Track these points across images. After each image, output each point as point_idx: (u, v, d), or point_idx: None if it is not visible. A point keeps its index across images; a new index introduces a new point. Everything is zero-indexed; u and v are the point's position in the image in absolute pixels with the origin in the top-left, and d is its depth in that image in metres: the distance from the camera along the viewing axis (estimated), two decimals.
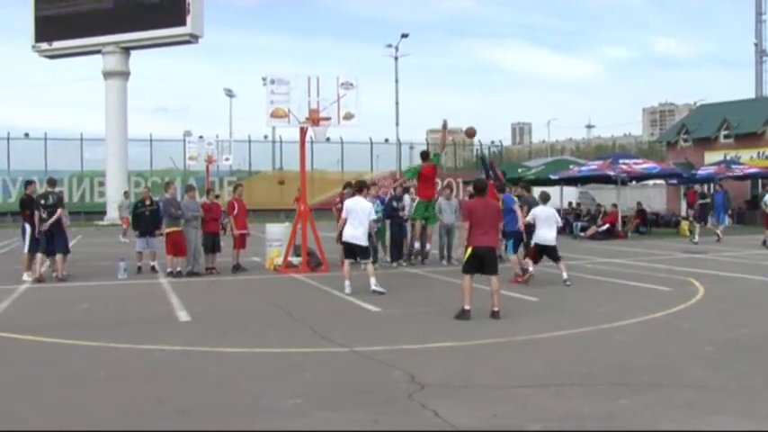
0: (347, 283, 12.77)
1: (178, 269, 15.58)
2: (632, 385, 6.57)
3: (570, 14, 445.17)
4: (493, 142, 64.72)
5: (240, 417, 5.80)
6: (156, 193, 22.96)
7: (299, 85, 16.39)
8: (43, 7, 44.87)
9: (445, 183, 31.43)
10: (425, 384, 6.57)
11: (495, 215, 10.75)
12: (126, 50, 44.35)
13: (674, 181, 35.62)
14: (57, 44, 44.76)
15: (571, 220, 29.84)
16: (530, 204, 18.82)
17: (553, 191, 35.05)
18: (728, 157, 38.59)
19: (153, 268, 16.44)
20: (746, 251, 21.01)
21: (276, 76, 16.50)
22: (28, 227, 14.95)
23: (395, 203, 17.66)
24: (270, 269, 16.91)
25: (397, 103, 51.52)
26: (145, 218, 16.61)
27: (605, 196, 38.01)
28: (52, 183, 15.53)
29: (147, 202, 16.79)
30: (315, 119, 16.36)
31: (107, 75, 44.27)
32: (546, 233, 14.01)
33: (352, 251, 13.06)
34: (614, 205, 29.30)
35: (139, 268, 16.39)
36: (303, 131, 16.92)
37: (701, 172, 34.70)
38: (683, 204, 39.03)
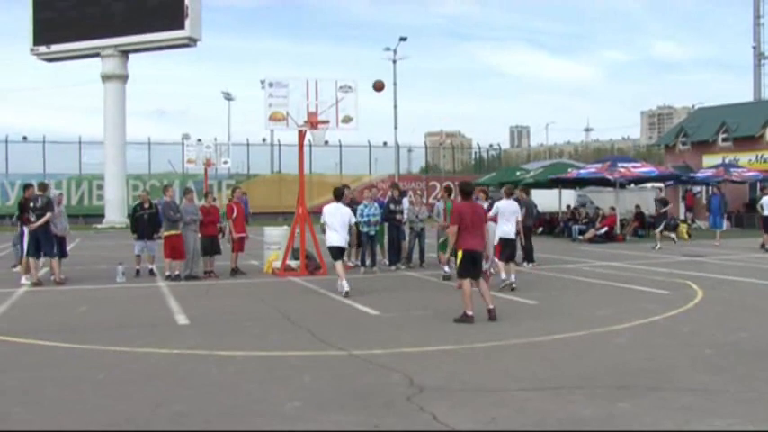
0: (344, 282, 12.95)
1: (176, 272, 15.57)
2: (632, 388, 6.56)
3: (570, 18, 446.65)
4: (491, 145, 64.70)
5: (239, 420, 5.79)
6: (155, 196, 22.98)
7: (297, 88, 16.41)
8: (42, 10, 44.83)
9: (444, 185, 31.37)
10: (424, 387, 6.56)
11: (482, 218, 10.79)
12: (124, 54, 44.31)
13: (672, 182, 35.59)
14: (55, 47, 44.70)
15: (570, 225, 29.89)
16: (528, 207, 18.94)
17: (551, 194, 35.30)
18: (727, 161, 38.62)
19: (151, 271, 16.42)
20: (745, 254, 21.03)
21: (274, 79, 16.51)
22: (26, 230, 14.94)
23: (392, 207, 17.65)
24: (268, 272, 16.90)
25: (395, 107, 51.49)
26: (143, 221, 16.59)
27: (604, 199, 37.96)
28: (42, 187, 15.50)
29: (146, 206, 16.77)
30: (313, 122, 16.36)
31: (105, 78, 44.23)
32: (510, 228, 13.97)
33: (341, 252, 13.68)
34: (612, 208, 29.31)
35: (138, 272, 16.38)
36: (302, 134, 16.93)
37: (700, 175, 34.75)
38: (682, 207, 39.07)
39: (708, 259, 19.49)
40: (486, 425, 5.59)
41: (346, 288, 12.79)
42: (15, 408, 6.16)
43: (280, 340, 9.05)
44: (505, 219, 13.93)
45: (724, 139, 42.52)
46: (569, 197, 38.76)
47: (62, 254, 15.59)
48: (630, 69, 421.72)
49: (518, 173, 36.10)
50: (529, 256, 18.27)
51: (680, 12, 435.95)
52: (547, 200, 35.30)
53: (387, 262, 17.78)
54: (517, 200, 18.71)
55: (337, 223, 13.35)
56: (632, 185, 33.92)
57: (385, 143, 54.89)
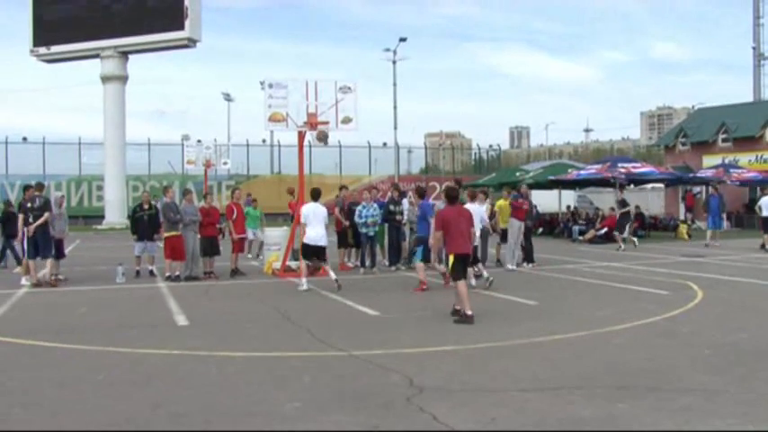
0: (304, 280, 13.94)
1: (176, 273, 15.58)
2: (631, 389, 6.56)
3: (570, 18, 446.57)
4: (491, 146, 64.70)
5: (239, 421, 5.79)
6: (155, 197, 22.97)
7: (297, 89, 16.41)
8: (41, 11, 44.85)
9: (443, 187, 31.35)
10: (424, 388, 6.57)
11: (468, 222, 10.94)
12: (124, 54, 44.33)
13: (673, 183, 35.63)
14: (55, 48, 44.72)
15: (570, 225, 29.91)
16: (528, 207, 18.93)
17: (551, 194, 35.33)
18: (727, 161, 38.65)
19: (151, 272, 16.43)
20: (745, 255, 21.03)
21: (274, 80, 16.51)
22: (25, 231, 14.94)
23: (392, 207, 17.64)
24: (268, 273, 16.90)
25: (395, 108, 51.55)
26: (143, 222, 16.59)
27: (603, 200, 38.03)
28: (39, 187, 15.50)
29: (146, 207, 16.77)
30: (313, 123, 16.36)
31: (105, 79, 44.24)
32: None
33: (314, 253, 14.23)
34: (612, 209, 29.31)
35: (138, 272, 16.39)
36: (301, 135, 16.93)
37: (700, 175, 34.75)
38: (682, 208, 39.07)
39: (707, 260, 19.50)
40: (485, 425, 5.59)
41: (304, 287, 13.72)
42: (15, 408, 6.16)
43: (279, 341, 9.05)
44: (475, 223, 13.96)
45: (724, 140, 42.55)
46: (569, 198, 38.80)
47: (58, 255, 15.59)
48: (630, 70, 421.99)
49: (518, 173, 36.11)
50: (529, 257, 18.28)
51: (680, 12, 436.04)
52: (547, 200, 35.35)
53: (386, 263, 17.78)
54: (517, 197, 18.74)
55: (318, 221, 14.13)
56: (632, 186, 33.94)
57: (385, 144, 54.92)
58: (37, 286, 14.47)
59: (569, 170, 33.80)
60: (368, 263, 17.12)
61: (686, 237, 28.56)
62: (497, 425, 5.60)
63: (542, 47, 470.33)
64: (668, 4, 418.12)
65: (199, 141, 34.49)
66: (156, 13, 42.52)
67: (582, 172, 31.81)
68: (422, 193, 15.51)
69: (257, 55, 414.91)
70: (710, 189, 28.37)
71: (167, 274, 15.59)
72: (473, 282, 13.66)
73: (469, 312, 10.17)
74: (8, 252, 18.44)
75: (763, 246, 22.53)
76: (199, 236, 16.07)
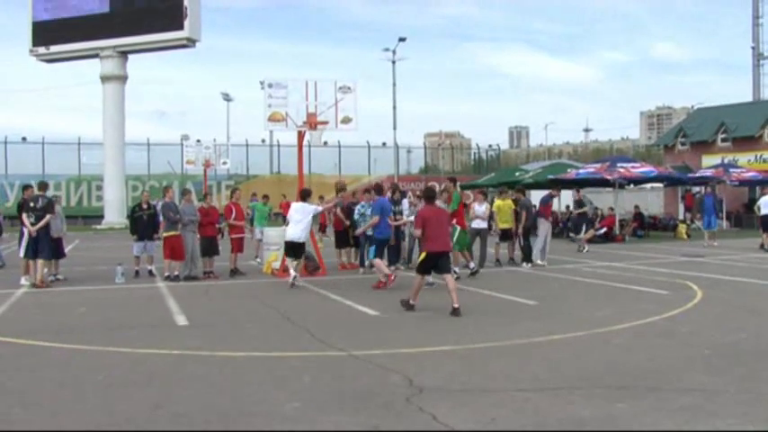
0: (293, 273, 14.35)
1: (176, 273, 15.57)
2: (631, 389, 6.56)
3: (570, 19, 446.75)
4: (490, 146, 64.71)
5: (238, 421, 5.79)
6: (154, 197, 22.95)
7: (296, 89, 16.43)
8: (41, 11, 44.85)
9: (443, 187, 31.34)
10: (424, 388, 6.56)
11: (445, 221, 11.54)
12: (123, 54, 44.35)
13: (672, 183, 35.63)
14: (54, 48, 44.75)
15: (569, 225, 29.87)
16: (527, 207, 18.95)
17: None
18: (726, 161, 38.66)
19: (150, 272, 16.42)
20: (744, 254, 21.04)
21: (274, 80, 16.53)
22: (25, 231, 14.94)
23: (393, 207, 17.61)
24: (267, 273, 16.90)
25: (394, 108, 51.56)
26: (143, 222, 16.59)
27: (603, 200, 38.01)
28: (42, 186, 15.46)
29: (145, 207, 16.77)
30: (312, 122, 16.36)
31: (105, 79, 44.26)
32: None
33: (293, 249, 14.75)
34: (612, 209, 29.33)
35: (137, 272, 16.39)
36: (301, 135, 16.93)
37: (699, 175, 34.75)
38: (681, 208, 39.08)
39: (707, 259, 19.50)
40: (485, 425, 5.59)
41: (292, 280, 14.20)
42: (15, 408, 6.16)
43: (279, 341, 9.05)
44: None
45: (723, 140, 42.57)
46: (569, 198, 38.74)
47: (57, 255, 15.57)
48: (630, 70, 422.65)
49: (517, 173, 36.10)
50: (527, 257, 18.28)
51: (679, 12, 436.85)
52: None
53: (386, 262, 17.74)
54: (516, 200, 18.79)
55: (298, 220, 14.68)
56: (631, 186, 33.94)
57: (384, 143, 54.97)
58: (36, 286, 14.43)
59: (568, 170, 33.81)
60: (367, 263, 17.10)
61: (685, 237, 28.57)
62: (497, 425, 5.60)
63: (542, 47, 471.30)
64: (668, 4, 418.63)
65: (198, 141, 34.57)
66: (156, 13, 42.56)
67: (581, 171, 31.81)
68: (379, 190, 15.84)
69: (257, 55, 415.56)
70: (704, 189, 28.40)
71: (166, 274, 15.59)
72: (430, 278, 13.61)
73: (413, 302, 11.22)
74: (5, 253, 18.42)
75: (762, 245, 22.54)
76: (198, 236, 16.07)
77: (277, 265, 16.86)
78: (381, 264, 14.44)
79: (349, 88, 16.76)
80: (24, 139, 49.20)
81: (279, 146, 52.42)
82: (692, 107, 66.81)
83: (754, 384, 6.73)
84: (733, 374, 7.08)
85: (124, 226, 33.32)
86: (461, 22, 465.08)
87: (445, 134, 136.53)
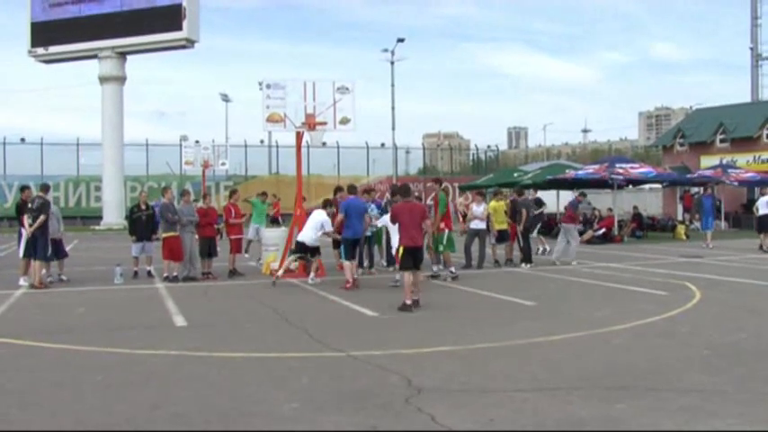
0: (312, 275, 15.12)
1: (174, 274, 15.55)
2: (630, 389, 6.56)
3: (569, 19, 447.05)
4: (489, 146, 64.72)
5: (237, 421, 5.78)
6: (153, 197, 22.94)
7: (295, 89, 16.40)
8: (39, 12, 44.84)
9: (442, 187, 31.36)
10: (422, 389, 6.56)
11: (419, 216, 11.74)
12: (122, 55, 44.34)
13: (671, 184, 35.65)
14: (53, 49, 44.73)
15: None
16: (526, 207, 18.97)
17: (549, 195, 35.30)
18: (724, 162, 38.67)
19: (149, 273, 16.41)
20: (743, 255, 21.05)
21: (272, 80, 16.50)
22: (23, 231, 14.93)
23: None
24: (266, 274, 16.88)
25: (393, 108, 51.53)
26: (141, 223, 16.58)
27: (601, 200, 38.01)
28: (42, 188, 15.41)
29: (143, 207, 16.76)
30: (311, 123, 16.35)
31: (103, 79, 44.25)
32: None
33: (304, 250, 15.13)
34: (610, 209, 29.34)
35: (136, 273, 16.37)
36: (299, 136, 16.92)
37: (697, 176, 34.77)
38: (680, 208, 39.10)
39: (706, 260, 19.51)
40: (484, 425, 5.59)
41: (311, 282, 14.87)
42: (14, 409, 6.16)
43: (278, 341, 9.05)
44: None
45: (722, 140, 42.59)
46: (567, 198, 38.76)
47: (58, 255, 15.54)
48: (629, 70, 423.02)
49: (516, 174, 36.09)
50: (527, 258, 18.28)
51: (679, 13, 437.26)
52: (545, 201, 35.28)
53: (384, 263, 17.76)
54: (514, 200, 18.80)
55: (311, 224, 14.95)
56: (630, 186, 33.96)
57: (383, 144, 54.95)
58: (35, 287, 14.41)
59: (567, 170, 33.82)
60: (366, 263, 17.11)
61: (684, 237, 28.58)
62: (496, 425, 5.60)
63: (541, 47, 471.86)
64: (667, 4, 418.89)
65: (197, 142, 34.49)
66: (154, 14, 42.54)
67: (579, 172, 31.83)
68: (351, 190, 16.09)
69: (256, 55, 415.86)
70: (702, 189, 28.37)
71: (165, 275, 15.58)
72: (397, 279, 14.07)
73: (408, 302, 11.21)
74: (4, 254, 18.40)
75: (761, 246, 22.54)
76: (197, 236, 16.05)
77: (275, 265, 16.85)
78: (347, 266, 14.46)
79: (347, 89, 16.75)
80: (23, 139, 49.17)
81: (277, 147, 52.43)
82: (691, 108, 66.89)
83: (753, 384, 6.74)
84: (732, 375, 7.08)
85: (123, 227, 33.28)
86: (461, 22, 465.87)
87: (444, 135, 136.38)
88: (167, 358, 8.13)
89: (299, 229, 16.59)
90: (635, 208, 32.26)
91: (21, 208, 15.11)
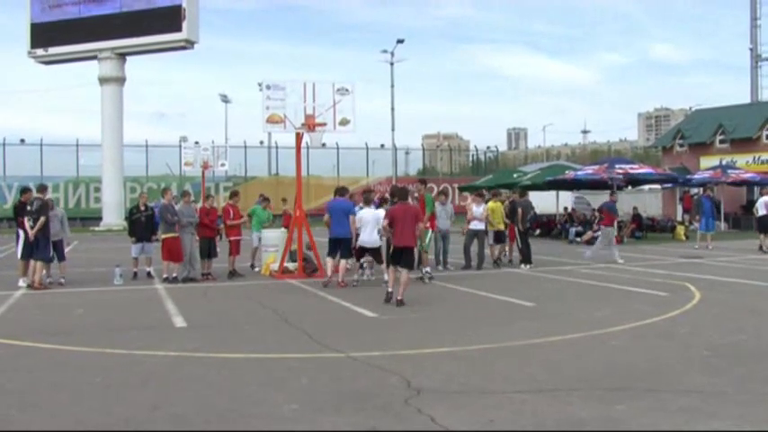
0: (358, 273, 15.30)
1: (174, 275, 15.54)
2: (629, 390, 6.56)
3: (569, 20, 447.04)
4: (489, 147, 64.75)
5: (236, 422, 5.78)
6: (153, 198, 22.93)
7: (294, 90, 16.39)
8: (39, 13, 44.84)
9: (441, 188, 31.43)
10: (422, 390, 6.56)
11: (412, 218, 12.29)
12: (122, 56, 44.34)
13: (670, 184, 35.65)
14: (52, 50, 44.72)
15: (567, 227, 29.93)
16: (524, 207, 18.96)
17: (549, 196, 35.33)
18: (724, 162, 38.67)
19: (149, 274, 16.41)
20: (742, 256, 21.05)
21: (272, 81, 16.50)
22: (21, 233, 14.93)
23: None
24: (266, 275, 16.89)
25: (392, 109, 51.51)
26: (141, 223, 16.57)
27: (601, 201, 37.99)
28: (40, 189, 15.38)
29: (143, 208, 16.75)
30: (310, 124, 16.35)
31: (103, 80, 44.24)
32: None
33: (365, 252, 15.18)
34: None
35: (135, 274, 16.36)
36: (299, 137, 16.92)
37: (697, 177, 34.78)
38: (679, 209, 39.11)
39: (706, 261, 19.51)
40: (483, 426, 5.59)
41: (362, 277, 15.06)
42: (13, 410, 6.15)
43: (277, 342, 9.05)
44: (372, 228, 14.51)
45: (721, 141, 42.60)
46: (566, 199, 38.80)
47: (58, 257, 15.51)
48: (628, 71, 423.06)
49: (515, 175, 36.11)
50: (526, 258, 18.28)
51: (678, 14, 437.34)
52: (544, 202, 35.32)
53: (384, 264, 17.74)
54: (513, 201, 18.82)
55: (366, 226, 14.47)
56: (629, 187, 33.95)
57: (382, 145, 55.01)
58: (36, 288, 14.39)
59: (567, 171, 33.82)
60: (365, 264, 17.07)
61: (684, 238, 28.58)
62: (495, 426, 5.60)
63: (541, 49, 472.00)
64: (667, 5, 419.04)
65: (196, 143, 34.51)
66: (154, 15, 42.53)
67: (579, 173, 31.82)
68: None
69: (256, 56, 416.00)
70: (701, 190, 28.34)
71: (165, 276, 15.57)
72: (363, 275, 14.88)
73: (390, 290, 12.08)
74: (3, 255, 18.38)
75: (761, 247, 22.54)
76: (197, 237, 16.04)
77: (275, 266, 16.86)
78: (329, 263, 14.86)
79: (347, 90, 16.75)
80: (23, 140, 49.22)
81: (277, 148, 52.46)
82: (690, 109, 66.95)
83: (752, 385, 6.74)
84: (732, 375, 7.08)
85: (122, 228, 33.27)
86: (460, 23, 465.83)
87: (443, 136, 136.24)
88: (167, 359, 8.12)
89: (299, 231, 16.62)
90: (635, 209, 32.29)
91: (19, 210, 15.10)
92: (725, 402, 6.20)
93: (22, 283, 14.81)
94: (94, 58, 44.20)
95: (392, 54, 50.62)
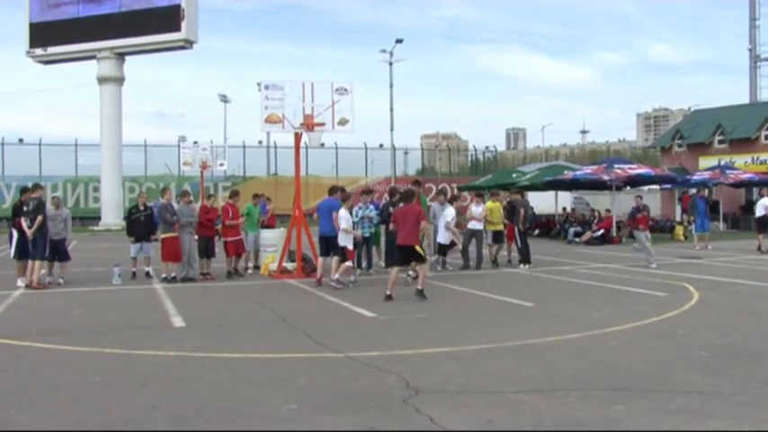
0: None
1: (173, 275, 15.54)
2: (628, 390, 6.57)
3: (568, 21, 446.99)
4: (487, 147, 64.76)
5: (235, 422, 5.78)
6: (152, 198, 22.91)
7: (293, 90, 16.39)
8: (38, 13, 44.81)
9: (439, 188, 31.42)
10: (420, 390, 6.56)
11: (414, 218, 12.65)
12: (120, 56, 44.32)
13: (669, 185, 35.68)
14: (51, 49, 44.69)
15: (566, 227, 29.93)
16: (524, 207, 18.97)
17: (547, 196, 35.36)
18: (723, 163, 38.70)
19: (147, 274, 16.40)
20: (741, 256, 21.06)
21: (271, 81, 16.50)
22: (15, 233, 14.92)
23: (390, 209, 17.61)
24: (265, 275, 16.89)
25: (391, 109, 51.49)
26: (139, 223, 16.56)
27: (600, 201, 38.05)
28: (34, 188, 15.29)
29: (142, 208, 16.74)
30: (309, 124, 16.35)
31: (102, 80, 44.21)
32: (441, 237, 16.15)
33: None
34: (609, 210, 29.34)
35: (134, 274, 16.35)
36: (298, 137, 16.91)
37: (696, 177, 34.80)
38: (678, 209, 39.13)
39: (704, 261, 19.52)
40: (482, 426, 5.60)
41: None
42: (12, 410, 6.15)
43: (276, 342, 9.05)
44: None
45: (720, 141, 42.64)
46: (565, 199, 38.84)
47: (60, 257, 15.48)
48: (627, 72, 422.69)
49: (514, 175, 36.12)
50: (525, 258, 18.29)
51: (677, 14, 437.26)
52: (543, 202, 35.36)
53: (383, 264, 17.76)
54: (511, 201, 18.86)
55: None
56: (628, 187, 33.99)
57: (381, 145, 54.97)
58: (33, 288, 14.39)
59: (565, 172, 33.83)
60: (364, 264, 17.11)
61: (682, 238, 28.60)
62: (494, 426, 5.60)
63: (540, 49, 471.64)
64: (666, 5, 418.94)
65: (195, 143, 34.51)
66: (153, 15, 42.52)
67: (578, 173, 31.84)
68: (333, 191, 16.08)
69: (256, 56, 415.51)
70: (697, 191, 28.33)
71: (163, 276, 15.56)
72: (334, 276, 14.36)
73: (389, 293, 12.38)
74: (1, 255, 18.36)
75: (759, 247, 22.56)
76: (196, 236, 16.03)
77: (274, 266, 16.86)
78: (319, 262, 15.20)
79: (346, 90, 16.75)
80: (21, 140, 49.18)
81: (276, 147, 52.39)
82: (689, 109, 66.98)
83: (751, 386, 6.74)
84: (730, 376, 7.09)
85: (121, 227, 33.23)
86: (459, 24, 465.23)
87: (442, 136, 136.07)
88: (166, 359, 8.13)
89: (298, 231, 16.62)
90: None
91: (17, 210, 15.09)
92: (724, 402, 6.21)
93: (20, 282, 14.80)
94: (93, 57, 44.17)
95: (391, 54, 50.61)
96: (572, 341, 8.96)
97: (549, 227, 32.53)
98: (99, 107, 44.56)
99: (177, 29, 42.34)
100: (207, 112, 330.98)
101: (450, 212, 16.17)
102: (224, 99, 70.21)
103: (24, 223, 14.49)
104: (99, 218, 44.20)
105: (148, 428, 5.66)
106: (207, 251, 16.22)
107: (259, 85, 16.91)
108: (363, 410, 6.04)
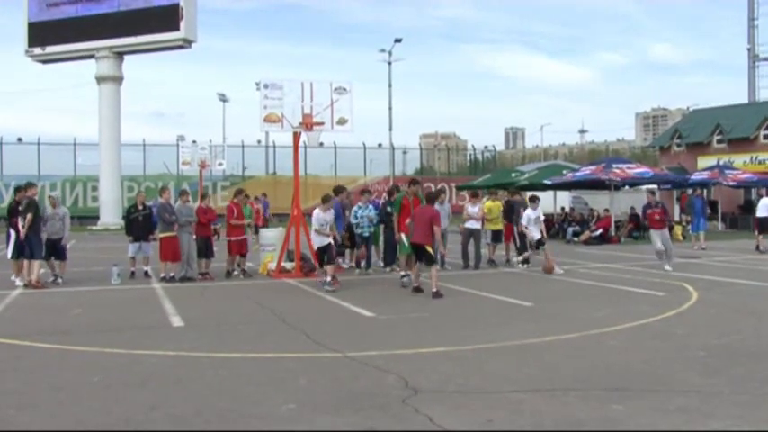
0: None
1: (171, 274, 15.53)
2: (627, 390, 6.57)
3: (567, 21, 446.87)
4: (486, 147, 64.77)
5: (234, 422, 5.78)
6: (150, 197, 22.90)
7: (292, 90, 16.40)
8: (36, 12, 44.76)
9: (438, 187, 31.40)
10: (419, 389, 6.56)
11: (427, 219, 13.06)
12: (119, 55, 44.25)
13: (668, 186, 35.68)
14: (50, 49, 44.62)
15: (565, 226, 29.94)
16: (523, 207, 18.97)
17: (546, 195, 35.29)
18: (721, 162, 38.72)
19: (146, 273, 16.39)
20: (740, 256, 21.08)
21: (270, 80, 16.51)
22: (12, 232, 14.92)
23: (389, 209, 17.62)
24: (263, 274, 16.88)
25: (390, 109, 51.51)
26: (138, 223, 16.55)
27: (598, 201, 38.02)
28: (27, 187, 15.22)
29: (140, 207, 16.73)
30: (308, 124, 16.35)
31: (100, 79, 44.16)
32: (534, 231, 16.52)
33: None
34: (607, 210, 29.34)
35: (132, 273, 16.35)
36: (297, 136, 16.91)
37: (695, 177, 34.80)
38: (677, 209, 39.11)
39: (703, 261, 19.53)
40: (481, 426, 5.60)
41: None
42: (11, 410, 6.15)
43: (275, 342, 9.05)
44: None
45: (718, 141, 42.67)
46: (564, 199, 38.81)
47: (58, 256, 15.46)
48: (626, 71, 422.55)
49: (513, 174, 36.11)
50: (524, 258, 18.28)
51: (676, 14, 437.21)
52: (542, 202, 35.28)
53: (382, 263, 17.76)
54: (509, 201, 18.86)
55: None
56: (627, 187, 33.99)
57: (380, 145, 54.97)
58: (34, 288, 14.37)
59: (564, 171, 33.83)
60: (363, 264, 17.11)
61: (681, 238, 28.59)
62: (493, 426, 5.60)
63: (540, 49, 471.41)
64: (666, 5, 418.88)
65: (194, 142, 34.56)
66: (152, 14, 42.44)
67: (577, 173, 31.84)
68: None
69: (255, 56, 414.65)
70: (693, 190, 28.32)
71: (162, 275, 15.56)
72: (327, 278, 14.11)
73: (415, 284, 13.40)
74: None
75: (757, 247, 22.58)
76: (194, 236, 16.02)
77: (273, 266, 16.86)
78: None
79: (345, 89, 16.76)
80: (20, 139, 49.09)
81: (275, 147, 52.32)
82: (688, 108, 67.03)
83: (750, 385, 6.75)
84: (729, 375, 7.09)
85: (120, 227, 33.26)
86: (459, 24, 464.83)
87: (441, 135, 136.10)
88: (165, 359, 8.12)
89: (297, 230, 16.62)
90: (632, 209, 32.23)
91: (13, 210, 15.09)
92: (723, 402, 6.22)
93: (18, 282, 14.80)
94: (92, 57, 44.10)
95: (390, 53, 50.65)
96: (571, 341, 8.97)
97: (547, 226, 32.48)
98: (98, 106, 44.50)
99: (176, 28, 42.28)
100: (206, 111, 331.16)
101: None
102: (223, 99, 70.19)
103: (20, 223, 14.49)
104: (98, 217, 44.14)
105: (148, 428, 5.66)
106: (206, 251, 16.20)
107: (258, 84, 16.93)
108: (362, 410, 6.04)
